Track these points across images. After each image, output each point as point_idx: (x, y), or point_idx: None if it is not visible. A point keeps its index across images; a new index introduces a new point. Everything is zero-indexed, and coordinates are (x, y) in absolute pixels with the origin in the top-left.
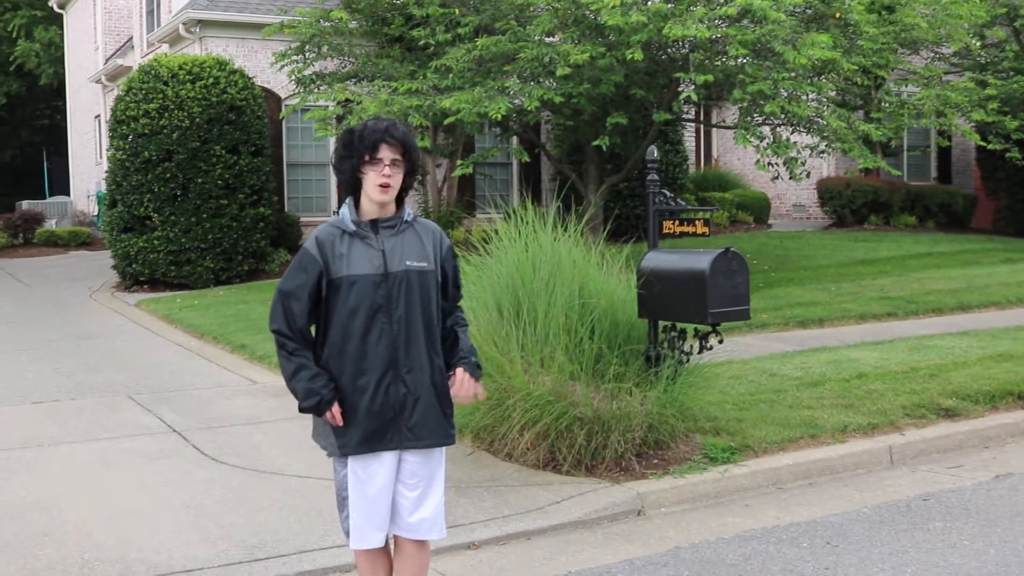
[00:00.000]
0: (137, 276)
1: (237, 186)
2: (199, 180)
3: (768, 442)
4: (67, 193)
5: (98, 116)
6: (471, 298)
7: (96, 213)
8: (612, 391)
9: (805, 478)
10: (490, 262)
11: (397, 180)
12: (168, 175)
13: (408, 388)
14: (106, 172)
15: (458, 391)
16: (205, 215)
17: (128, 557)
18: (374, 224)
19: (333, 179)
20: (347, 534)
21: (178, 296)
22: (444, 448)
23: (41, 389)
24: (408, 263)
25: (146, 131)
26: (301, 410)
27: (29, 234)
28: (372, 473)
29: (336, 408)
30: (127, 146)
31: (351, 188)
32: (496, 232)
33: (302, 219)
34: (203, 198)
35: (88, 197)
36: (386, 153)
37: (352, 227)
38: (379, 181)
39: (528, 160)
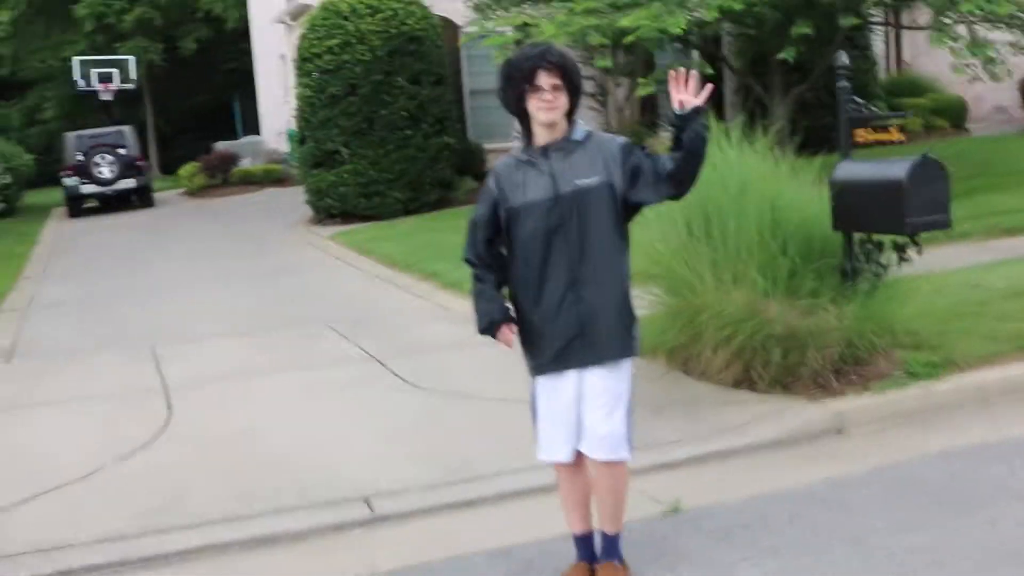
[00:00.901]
0: (329, 210)
1: (420, 116)
2: (383, 112)
3: (973, 356)
4: (258, 132)
5: (283, 55)
6: (659, 218)
7: (287, 151)
8: (807, 307)
9: (1014, 393)
10: None
11: (560, 103)
12: (353, 109)
13: (588, 304)
14: (294, 110)
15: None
16: (391, 147)
17: (338, 479)
18: (545, 150)
19: None
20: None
21: (369, 227)
22: (630, 365)
23: (247, 321)
24: (577, 182)
25: (330, 67)
26: (479, 332)
27: (226, 174)
28: (557, 389)
29: (507, 330)
30: (313, 83)
31: (520, 117)
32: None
33: (486, 146)
34: (388, 130)
35: (279, 135)
36: (544, 79)
37: (524, 156)
38: (541, 107)
39: (711, 73)
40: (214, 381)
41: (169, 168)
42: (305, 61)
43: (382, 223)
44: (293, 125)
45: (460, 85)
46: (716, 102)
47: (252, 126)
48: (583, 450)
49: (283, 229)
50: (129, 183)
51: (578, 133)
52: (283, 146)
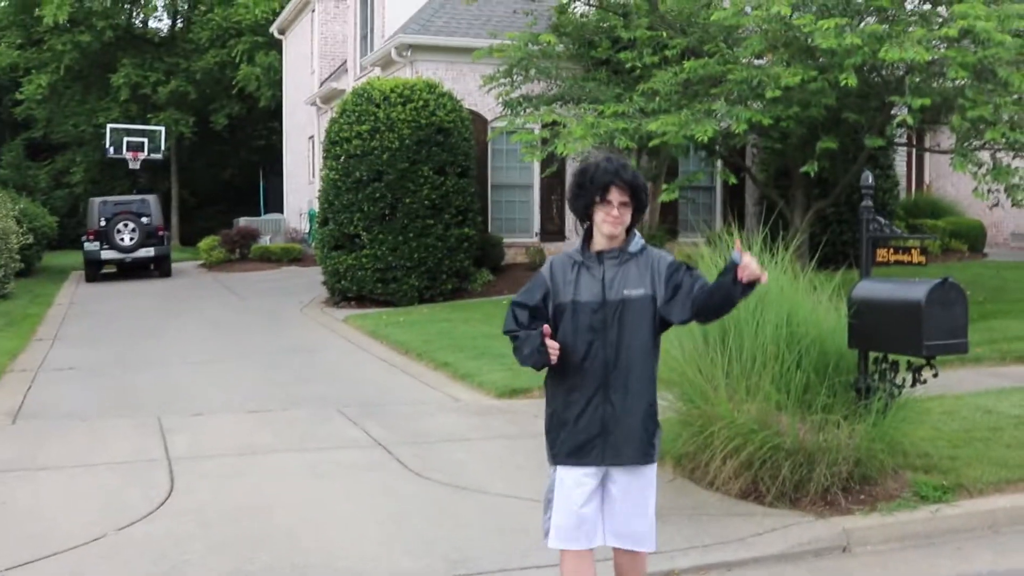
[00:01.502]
0: (345, 292)
1: (443, 206)
2: (407, 200)
3: (983, 482)
4: (281, 211)
5: (312, 137)
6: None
7: (308, 230)
8: (819, 422)
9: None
10: None
11: (625, 219)
12: (377, 195)
13: (615, 407)
14: (318, 191)
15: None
16: (412, 234)
17: (335, 565)
18: (600, 255)
19: (537, 201)
20: (546, 534)
21: (384, 313)
22: (654, 468)
23: (256, 398)
24: (625, 292)
25: (358, 152)
26: (526, 363)
27: (245, 249)
28: (577, 482)
29: (546, 336)
30: (339, 166)
31: (583, 220)
32: (701, 257)
33: (505, 240)
34: (410, 218)
35: (300, 215)
36: (615, 195)
37: (580, 257)
38: (607, 221)
39: (734, 183)
40: (219, 456)
41: (190, 239)
42: (334, 144)
43: (397, 309)
44: (316, 206)
45: (485, 178)
46: (738, 212)
47: (276, 204)
48: (610, 543)
49: (298, 307)
50: (149, 251)
51: (634, 245)
52: (304, 226)
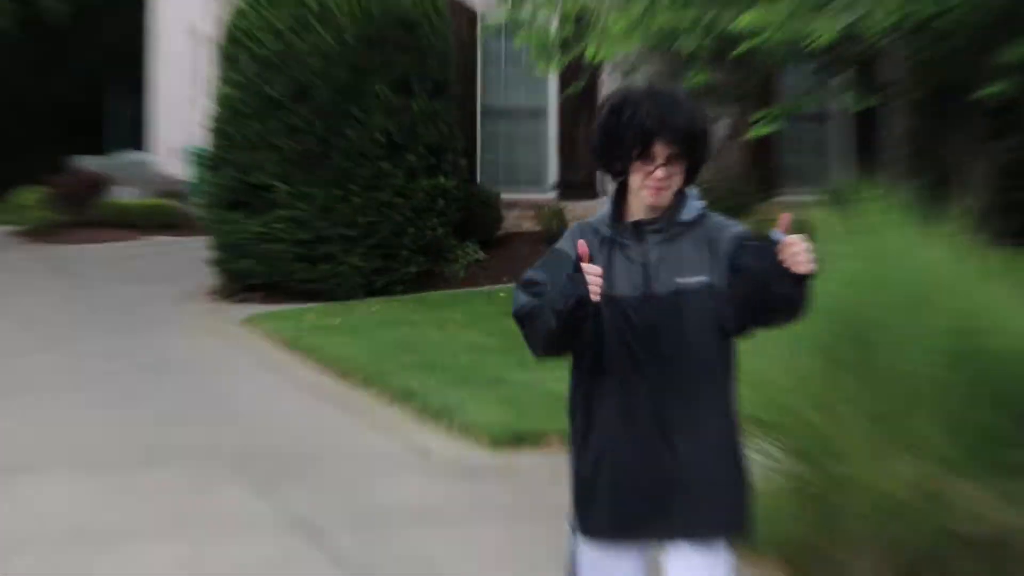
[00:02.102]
0: (248, 277)
1: (405, 143)
2: (348, 133)
3: None
4: (142, 147)
5: (196, 30)
6: (778, 332)
7: (189, 179)
8: (1016, 493)
9: None
10: None
11: (675, 181)
12: (302, 124)
13: (677, 457)
14: (208, 117)
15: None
16: (355, 187)
17: None
18: (639, 228)
19: (553, 136)
20: None
21: (310, 310)
22: (729, 550)
23: (101, 448)
24: (679, 280)
25: (272, 56)
26: (554, 317)
27: (88, 208)
28: (613, 567)
29: (585, 260)
30: (242, 79)
31: (616, 177)
32: (814, 225)
33: (504, 196)
34: (353, 161)
35: (176, 154)
36: (661, 149)
37: (609, 231)
38: (650, 187)
39: (866, 111)
40: (45, 544)
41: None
42: (234, 44)
43: (331, 304)
44: (202, 141)
45: (471, 100)
46: (870, 155)
47: (135, 137)
48: None
49: (173, 303)
50: None
51: (689, 211)
52: (183, 172)
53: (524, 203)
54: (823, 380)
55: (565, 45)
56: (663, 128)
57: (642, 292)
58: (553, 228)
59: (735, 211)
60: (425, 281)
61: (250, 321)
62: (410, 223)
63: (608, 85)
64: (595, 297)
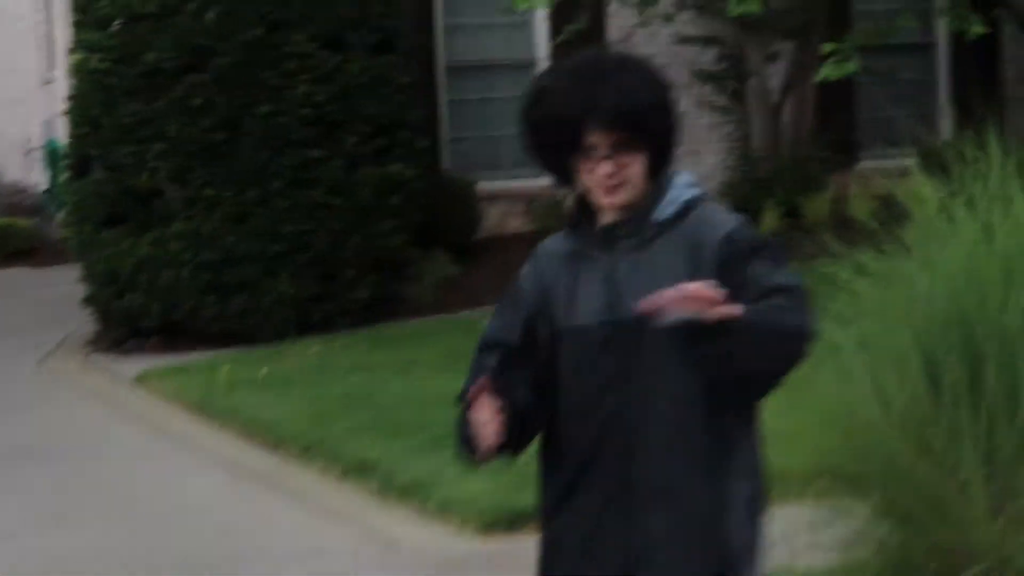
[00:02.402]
0: (136, 318)
1: (342, 119)
2: (261, 110)
3: None
4: None
5: None
6: (862, 344)
7: (47, 186)
8: None
9: None
10: (902, 266)
11: (634, 171)
12: (197, 101)
13: (648, 530)
14: (67, 99)
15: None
16: (277, 183)
17: None
18: (609, 233)
19: None
20: None
21: (224, 358)
22: None
23: None
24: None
25: (149, 9)
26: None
27: None
28: None
29: (480, 393)
30: (111, 43)
31: (564, 182)
32: (909, 200)
33: (482, 186)
34: (271, 147)
35: (27, 153)
36: (599, 138)
37: (576, 243)
38: (600, 183)
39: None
40: None
41: None
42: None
43: (254, 350)
44: (61, 133)
45: (429, 55)
46: (981, 105)
47: None
48: None
49: (36, 361)
50: None
51: (665, 207)
52: (35, 176)
53: (510, 194)
54: (920, 406)
55: None
56: (591, 112)
57: (608, 316)
58: (552, 227)
59: (800, 185)
60: (379, 309)
61: (144, 378)
62: (354, 230)
63: (617, 24)
64: (485, 455)
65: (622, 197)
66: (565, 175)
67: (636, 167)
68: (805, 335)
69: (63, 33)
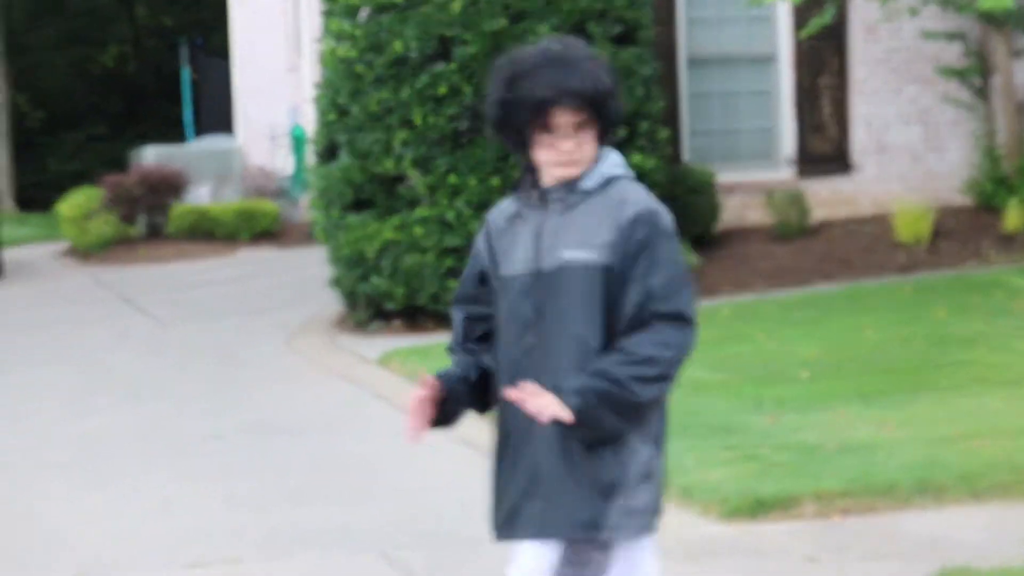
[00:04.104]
0: (381, 300)
1: None
2: None
3: None
4: (227, 129)
5: None
6: None
7: (291, 172)
8: None
9: None
10: None
11: (588, 149)
12: (444, 90)
13: (535, 451)
14: (314, 87)
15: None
16: (518, 171)
17: None
18: (546, 195)
19: (787, 92)
20: None
21: None
22: (600, 558)
23: (201, 534)
24: (565, 254)
25: (399, 1)
26: None
27: (159, 215)
28: (515, 565)
29: (426, 393)
30: (360, 32)
31: (519, 152)
32: None
33: (721, 178)
34: None
35: (273, 138)
36: (564, 117)
37: (518, 202)
38: (556, 160)
39: None
40: None
41: (38, 197)
42: None
43: None
44: (306, 119)
45: (670, 47)
46: None
47: (218, 117)
48: None
49: (283, 340)
50: None
51: (593, 177)
52: (284, 161)
53: (749, 186)
54: None
55: None
56: (562, 95)
57: (533, 267)
58: (791, 219)
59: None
60: None
61: (388, 359)
62: None
63: (860, 18)
64: (410, 436)
65: (576, 171)
66: (522, 147)
67: (591, 145)
68: (658, 372)
69: (309, 22)
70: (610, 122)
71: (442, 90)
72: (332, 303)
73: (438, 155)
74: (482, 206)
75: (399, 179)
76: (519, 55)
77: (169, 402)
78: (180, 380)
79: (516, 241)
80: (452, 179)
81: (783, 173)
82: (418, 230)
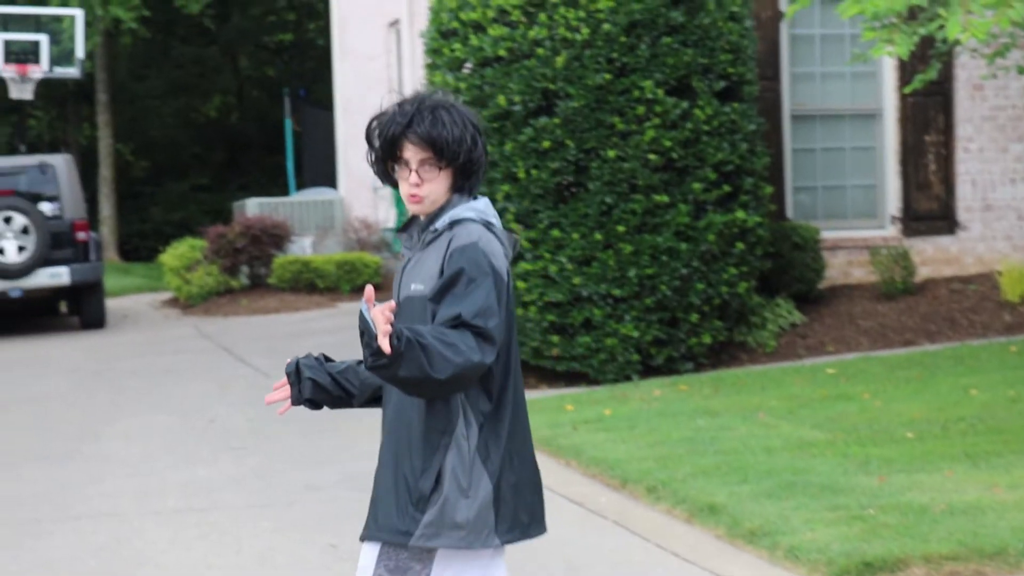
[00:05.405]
0: None
1: (688, 164)
2: (609, 153)
3: None
4: (332, 183)
5: (396, 23)
6: None
7: (393, 223)
8: None
9: None
10: None
11: (434, 188)
12: (546, 144)
13: (383, 457)
14: None
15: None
16: (622, 227)
17: None
18: (409, 233)
19: (892, 147)
20: None
21: (568, 398)
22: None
23: None
24: (412, 286)
25: (500, 52)
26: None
27: (261, 267)
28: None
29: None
30: (461, 84)
31: (387, 178)
32: None
33: (824, 235)
34: (617, 191)
35: (375, 190)
36: (411, 152)
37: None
38: (404, 190)
39: None
40: None
41: (140, 248)
42: (447, 38)
43: (597, 390)
44: None
45: (775, 103)
46: None
47: (322, 169)
48: None
49: None
50: (57, 275)
51: (445, 218)
52: (386, 214)
53: (853, 243)
54: None
55: (911, 17)
56: (406, 131)
57: (398, 295)
58: (895, 278)
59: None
60: (722, 355)
61: None
62: (699, 276)
63: (965, 75)
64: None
65: (419, 207)
66: (387, 178)
67: (435, 185)
68: (457, 361)
69: (412, 74)
70: (468, 168)
71: (545, 144)
72: None
73: (541, 209)
74: (585, 261)
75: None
76: (400, 99)
77: (270, 452)
78: (281, 430)
79: (400, 270)
80: (555, 233)
81: (888, 231)
82: (521, 284)
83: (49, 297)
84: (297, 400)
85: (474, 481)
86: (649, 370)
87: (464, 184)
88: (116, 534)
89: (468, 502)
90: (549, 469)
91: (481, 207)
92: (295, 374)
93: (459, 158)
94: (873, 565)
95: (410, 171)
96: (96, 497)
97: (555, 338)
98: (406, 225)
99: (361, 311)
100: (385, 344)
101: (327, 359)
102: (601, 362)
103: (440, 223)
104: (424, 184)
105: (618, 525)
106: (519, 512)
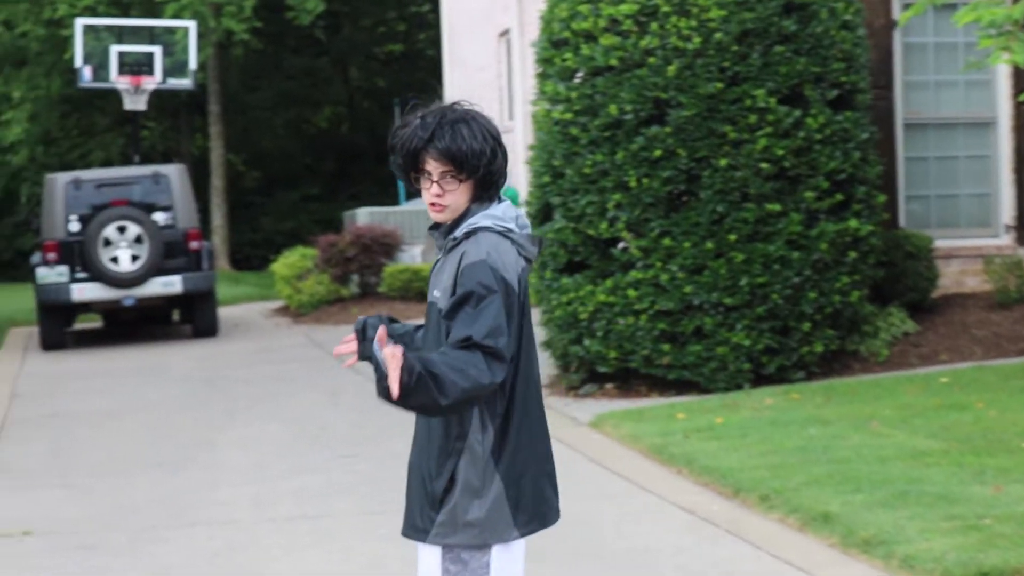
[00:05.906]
0: (594, 363)
1: (801, 173)
2: (721, 162)
3: None
4: None
5: (506, 33)
6: None
7: None
8: None
9: None
10: None
11: (454, 199)
12: (658, 153)
13: (412, 455)
14: (528, 149)
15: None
16: (734, 236)
17: None
18: (436, 239)
19: (1006, 156)
20: None
21: (679, 406)
22: (437, 557)
23: None
24: (435, 293)
25: (611, 62)
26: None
27: (371, 275)
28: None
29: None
30: (573, 94)
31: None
32: None
33: (937, 243)
34: (729, 200)
35: None
36: (433, 165)
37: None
38: (426, 199)
39: None
40: None
41: (252, 257)
42: (558, 48)
43: (708, 399)
44: (518, 180)
45: (888, 111)
46: None
47: None
48: None
49: None
50: (170, 284)
51: (465, 226)
52: None
53: (967, 252)
54: None
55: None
56: (427, 146)
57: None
58: (1009, 286)
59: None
60: (833, 364)
61: (601, 422)
62: (812, 284)
63: None
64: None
65: (441, 216)
66: (411, 186)
67: (455, 195)
68: (464, 386)
69: (522, 84)
70: (484, 181)
71: (657, 153)
72: (543, 365)
73: (652, 218)
74: (696, 270)
75: (613, 242)
76: (421, 110)
77: (381, 459)
78: (392, 438)
79: (432, 269)
80: (666, 242)
81: (1002, 239)
82: (631, 293)
83: (162, 306)
84: (362, 355)
85: (487, 482)
86: (760, 379)
87: (483, 194)
88: (231, 541)
89: (480, 502)
90: (660, 477)
91: (499, 213)
92: (362, 331)
93: (479, 171)
94: (990, 574)
95: (432, 183)
96: (211, 504)
97: (666, 346)
98: (436, 224)
99: (374, 353)
100: (395, 388)
101: (392, 320)
102: (712, 371)
103: (459, 232)
104: (445, 195)
105: (730, 533)
106: (538, 505)
